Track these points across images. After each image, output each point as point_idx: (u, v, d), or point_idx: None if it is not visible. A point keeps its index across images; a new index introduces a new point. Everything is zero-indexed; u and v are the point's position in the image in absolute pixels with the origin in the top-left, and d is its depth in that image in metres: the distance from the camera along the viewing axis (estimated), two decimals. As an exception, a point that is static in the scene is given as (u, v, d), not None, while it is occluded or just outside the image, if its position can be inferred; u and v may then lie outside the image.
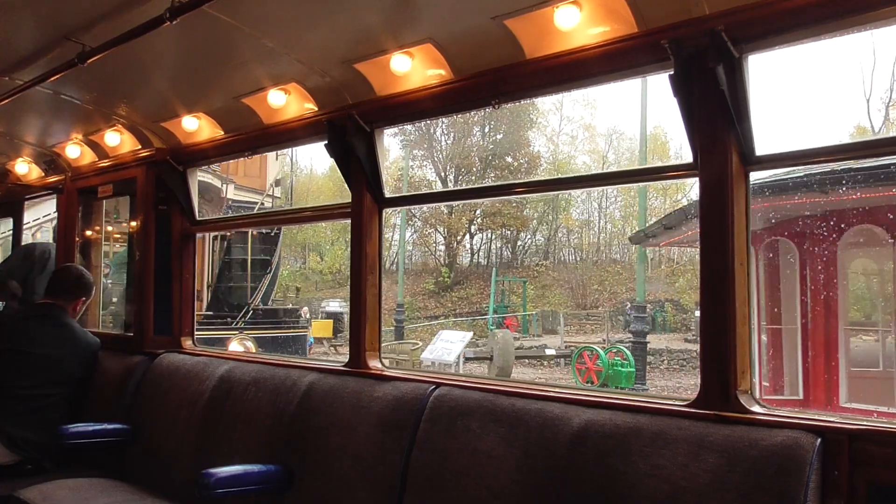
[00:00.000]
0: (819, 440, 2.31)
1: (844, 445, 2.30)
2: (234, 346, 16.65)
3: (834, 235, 10.92)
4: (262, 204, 21.77)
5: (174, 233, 5.25)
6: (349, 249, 4.05)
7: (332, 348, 28.82)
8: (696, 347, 2.78)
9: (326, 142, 3.97)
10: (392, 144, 51.80)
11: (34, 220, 14.83)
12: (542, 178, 22.34)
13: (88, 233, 6.34)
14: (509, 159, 50.10)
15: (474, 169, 50.61)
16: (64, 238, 6.16)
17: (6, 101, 4.42)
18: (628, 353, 21.54)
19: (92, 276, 5.42)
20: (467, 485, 3.02)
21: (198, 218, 5.30)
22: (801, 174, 10.38)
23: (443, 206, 47.17)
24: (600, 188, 42.66)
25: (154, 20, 3.19)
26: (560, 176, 17.64)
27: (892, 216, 10.41)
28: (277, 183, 23.91)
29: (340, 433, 3.55)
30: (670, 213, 17.53)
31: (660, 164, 17.24)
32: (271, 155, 22.43)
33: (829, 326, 10.92)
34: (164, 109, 4.75)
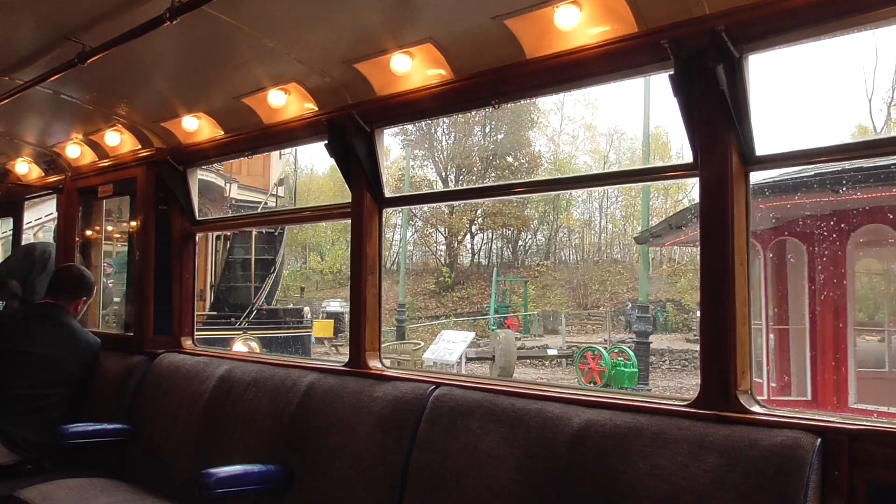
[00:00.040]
0: (819, 440, 2.31)
1: (844, 445, 2.30)
2: (239, 347, 16.63)
3: (843, 235, 10.87)
4: (266, 203, 21.74)
5: (174, 233, 5.25)
6: (349, 249, 4.05)
7: (332, 348, 28.81)
8: (698, 347, 2.78)
9: (326, 142, 3.97)
10: (393, 144, 51.92)
11: (36, 220, 14.84)
12: (543, 178, 22.32)
13: (88, 233, 6.34)
14: (510, 159, 50.11)
15: (475, 169, 50.63)
16: (64, 238, 6.16)
17: (6, 101, 4.42)
18: (631, 353, 21.51)
19: (93, 276, 5.42)
20: (467, 485, 3.02)
21: (199, 217, 5.30)
22: (811, 173, 10.33)
23: (443, 205, 47.18)
24: (601, 188, 42.64)
25: (154, 20, 3.19)
26: (560, 176, 17.63)
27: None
28: (281, 182, 23.88)
29: (340, 433, 3.55)
30: (677, 212, 17.56)
31: (660, 164, 17.24)
32: (274, 154, 22.38)
33: (837, 326, 10.87)
34: (164, 109, 4.75)
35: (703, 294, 2.73)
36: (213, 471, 3.48)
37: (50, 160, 6.06)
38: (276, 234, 20.79)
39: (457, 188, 29.59)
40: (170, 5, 3.09)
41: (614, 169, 37.00)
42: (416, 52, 3.43)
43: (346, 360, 3.97)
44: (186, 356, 4.89)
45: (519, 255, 52.55)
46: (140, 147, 5.20)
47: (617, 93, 70.83)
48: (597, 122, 65.50)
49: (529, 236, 53.37)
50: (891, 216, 10.55)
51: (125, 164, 5.39)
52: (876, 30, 2.54)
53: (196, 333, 5.36)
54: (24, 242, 7.28)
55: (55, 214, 6.55)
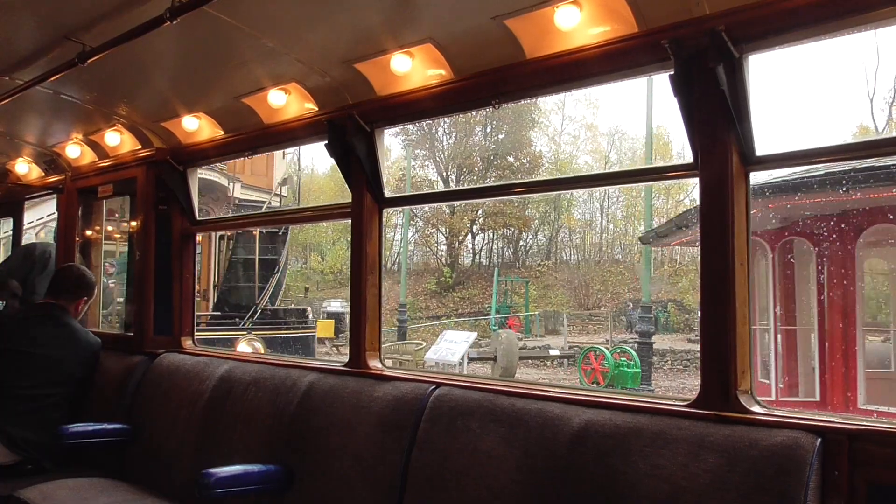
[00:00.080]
0: (819, 440, 2.30)
1: (844, 445, 2.30)
2: (243, 347, 16.60)
3: (851, 235, 10.81)
4: (269, 203, 21.71)
5: (174, 233, 5.25)
6: (349, 249, 4.05)
7: (333, 348, 28.83)
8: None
9: (326, 142, 3.97)
10: (394, 144, 51.97)
11: (38, 219, 14.86)
12: (544, 178, 22.33)
13: (88, 232, 6.35)
14: (511, 159, 50.14)
15: (476, 169, 50.64)
16: (64, 238, 6.16)
17: (6, 101, 4.42)
18: (634, 353, 21.46)
19: (94, 276, 5.42)
20: (467, 485, 3.01)
21: (199, 217, 5.30)
22: (821, 172, 10.29)
23: (444, 205, 47.21)
24: (602, 188, 42.63)
25: (154, 20, 3.19)
26: (561, 176, 17.62)
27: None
28: (284, 182, 23.85)
29: (340, 433, 3.55)
30: (682, 212, 17.53)
31: (660, 164, 17.21)
32: (278, 153, 22.36)
33: (846, 327, 10.82)
34: (164, 109, 4.75)
35: (704, 294, 2.73)
36: (213, 471, 3.48)
37: (50, 160, 6.07)
38: (280, 233, 20.77)
39: (457, 188, 29.62)
40: (170, 5, 3.09)
41: (615, 169, 37.00)
42: (416, 52, 3.43)
43: (347, 359, 3.97)
44: (186, 356, 4.89)
45: (520, 255, 52.56)
46: (140, 147, 5.20)
47: (618, 93, 70.89)
48: (598, 121, 65.52)
49: (530, 236, 53.40)
50: (899, 216, 10.52)
51: (125, 164, 5.39)
52: (877, 30, 2.54)
53: (200, 334, 5.36)
54: (25, 242, 7.29)
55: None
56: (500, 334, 25.05)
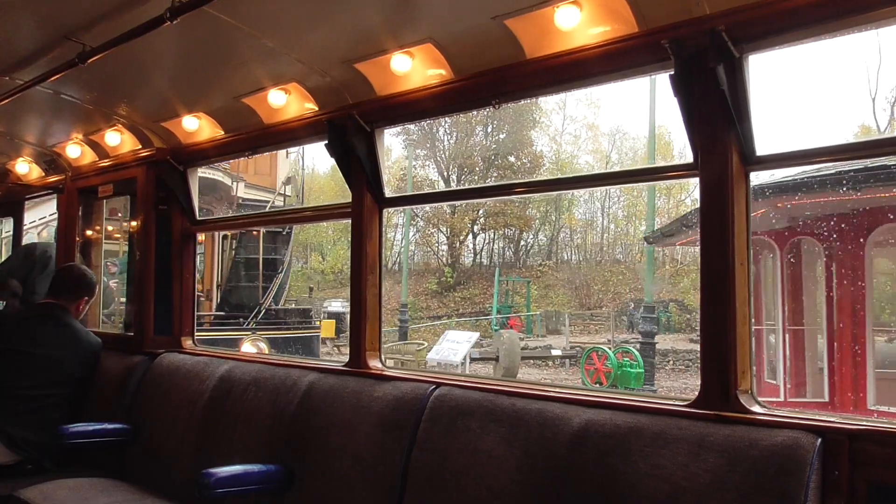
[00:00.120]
0: (819, 440, 2.30)
1: (844, 445, 2.30)
2: (247, 348, 16.55)
3: (860, 234, 10.74)
4: (273, 203, 21.65)
5: (174, 232, 5.26)
6: (350, 249, 4.05)
7: (335, 348, 28.85)
8: (700, 347, 2.78)
9: (327, 142, 3.97)
10: (395, 144, 51.93)
11: (40, 218, 14.87)
12: (545, 178, 22.26)
13: (89, 232, 6.35)
14: (512, 159, 50.09)
15: (477, 169, 50.61)
16: (64, 238, 6.16)
17: (6, 101, 4.42)
18: (637, 353, 21.42)
19: (94, 276, 5.42)
20: (467, 485, 3.01)
21: (201, 217, 5.30)
22: (830, 171, 10.22)
23: (445, 205, 47.17)
24: (603, 188, 42.62)
25: (154, 20, 3.19)
26: (562, 176, 17.57)
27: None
28: (288, 181, 23.80)
29: (340, 433, 3.55)
30: (687, 212, 17.48)
31: (661, 163, 17.20)
32: (281, 153, 22.31)
33: (856, 327, 10.75)
34: (164, 109, 4.75)
35: (704, 294, 2.73)
36: (213, 471, 3.48)
37: (50, 160, 6.07)
38: (284, 233, 20.74)
39: (458, 188, 29.55)
40: (170, 5, 3.09)
41: (616, 169, 36.98)
42: (416, 52, 3.43)
43: (347, 359, 3.97)
44: (186, 356, 4.89)
45: (521, 255, 52.51)
46: (140, 147, 5.20)
47: (619, 92, 70.73)
48: (599, 121, 65.38)
49: (531, 236, 53.34)
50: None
51: (125, 164, 5.39)
52: (879, 29, 2.53)
53: (204, 334, 5.37)
54: (27, 241, 7.29)
55: (57, 213, 6.55)
56: (502, 334, 25.03)
